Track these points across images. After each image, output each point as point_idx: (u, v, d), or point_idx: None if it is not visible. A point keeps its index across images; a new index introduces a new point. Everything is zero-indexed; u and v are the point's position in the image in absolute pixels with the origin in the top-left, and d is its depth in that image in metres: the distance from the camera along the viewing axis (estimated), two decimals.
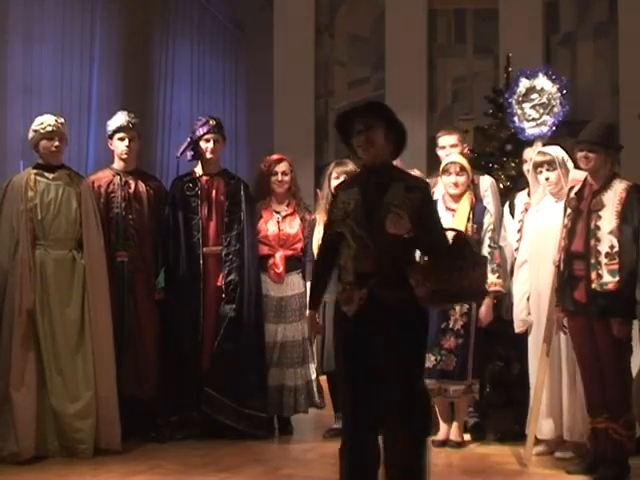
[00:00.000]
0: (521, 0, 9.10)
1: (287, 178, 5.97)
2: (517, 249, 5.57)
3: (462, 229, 5.50)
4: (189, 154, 5.93)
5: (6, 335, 5.21)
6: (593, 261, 4.73)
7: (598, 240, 4.73)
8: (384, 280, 3.86)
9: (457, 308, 5.48)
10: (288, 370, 5.86)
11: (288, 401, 5.86)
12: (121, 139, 5.83)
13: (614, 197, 4.77)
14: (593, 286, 4.71)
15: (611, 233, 4.72)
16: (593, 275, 4.72)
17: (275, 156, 6.11)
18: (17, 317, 5.18)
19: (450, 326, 5.50)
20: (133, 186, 5.82)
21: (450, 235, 4.04)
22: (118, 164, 5.89)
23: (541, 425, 5.27)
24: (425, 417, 4.01)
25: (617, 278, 4.67)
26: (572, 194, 4.98)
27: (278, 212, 5.98)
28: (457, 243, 3.95)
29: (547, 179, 5.28)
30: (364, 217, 3.90)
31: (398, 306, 3.85)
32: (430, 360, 5.49)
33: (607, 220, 4.74)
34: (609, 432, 4.76)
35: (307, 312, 4.54)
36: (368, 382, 3.93)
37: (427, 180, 5.98)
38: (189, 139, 5.95)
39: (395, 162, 4.18)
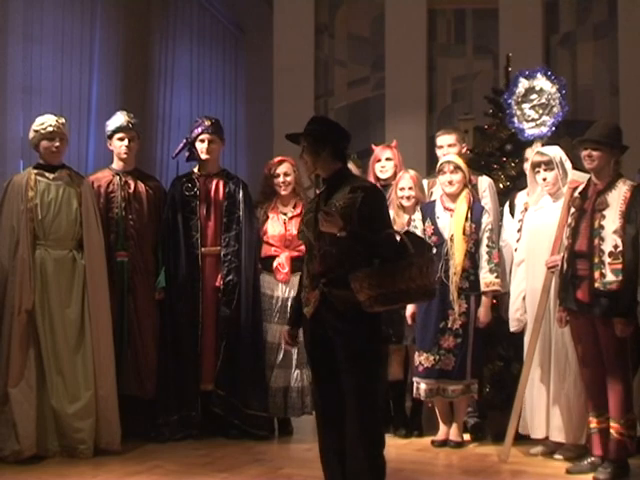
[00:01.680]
0: (521, 0, 9.09)
1: (289, 179, 5.96)
2: (517, 249, 5.57)
3: (460, 228, 5.52)
4: (186, 155, 5.93)
5: (6, 335, 5.21)
6: (596, 260, 4.73)
7: (602, 239, 4.74)
8: (332, 280, 3.96)
9: (456, 308, 5.49)
10: (294, 372, 5.85)
11: (296, 402, 5.85)
12: (120, 139, 5.83)
13: (618, 197, 4.78)
14: (596, 285, 4.72)
15: (615, 233, 4.72)
16: (596, 274, 4.72)
17: (277, 158, 6.10)
18: (16, 317, 5.18)
19: (449, 326, 5.50)
20: (133, 186, 5.82)
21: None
22: (117, 164, 5.89)
23: (533, 425, 5.28)
24: (373, 415, 4.05)
25: (620, 278, 4.67)
26: (576, 194, 4.98)
27: (285, 213, 5.97)
28: (403, 244, 3.94)
29: (544, 179, 5.29)
30: (313, 221, 4.06)
31: (346, 305, 3.92)
32: (429, 360, 5.51)
33: (611, 220, 4.74)
34: (610, 432, 4.77)
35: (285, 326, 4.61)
36: (329, 379, 4.06)
37: (429, 180, 6.02)
38: (185, 140, 5.95)
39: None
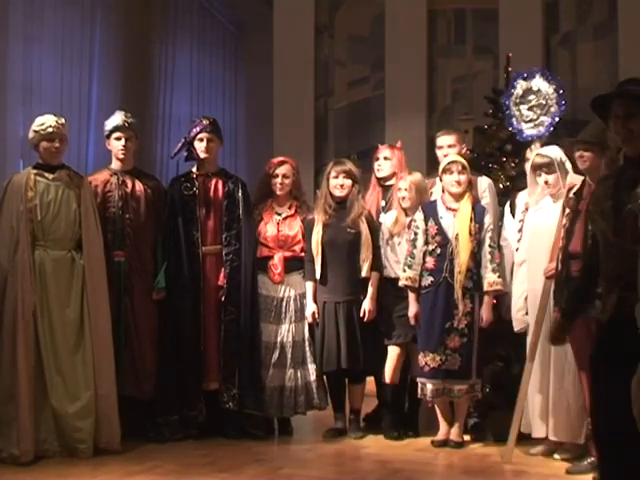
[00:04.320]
0: (521, 0, 9.10)
1: (288, 181, 5.95)
2: (518, 249, 5.57)
3: (466, 228, 5.50)
4: (184, 155, 5.93)
5: (7, 336, 5.18)
6: None
7: None
8: (631, 284, 3.34)
9: (460, 307, 5.47)
10: (288, 371, 5.85)
11: (288, 402, 5.85)
12: (118, 139, 5.81)
13: None
14: None
15: None
16: None
17: (278, 159, 6.09)
18: (20, 320, 5.15)
19: (455, 325, 5.48)
20: (130, 185, 5.80)
21: None
22: (115, 164, 5.88)
23: (533, 425, 5.28)
24: None
25: None
26: (571, 194, 4.98)
27: (279, 214, 5.96)
28: None
29: (546, 182, 5.27)
30: (611, 211, 3.46)
31: None
32: (435, 360, 5.49)
33: None
34: None
35: (558, 320, 4.05)
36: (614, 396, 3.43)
37: (425, 180, 6.02)
38: (183, 140, 5.95)
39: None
